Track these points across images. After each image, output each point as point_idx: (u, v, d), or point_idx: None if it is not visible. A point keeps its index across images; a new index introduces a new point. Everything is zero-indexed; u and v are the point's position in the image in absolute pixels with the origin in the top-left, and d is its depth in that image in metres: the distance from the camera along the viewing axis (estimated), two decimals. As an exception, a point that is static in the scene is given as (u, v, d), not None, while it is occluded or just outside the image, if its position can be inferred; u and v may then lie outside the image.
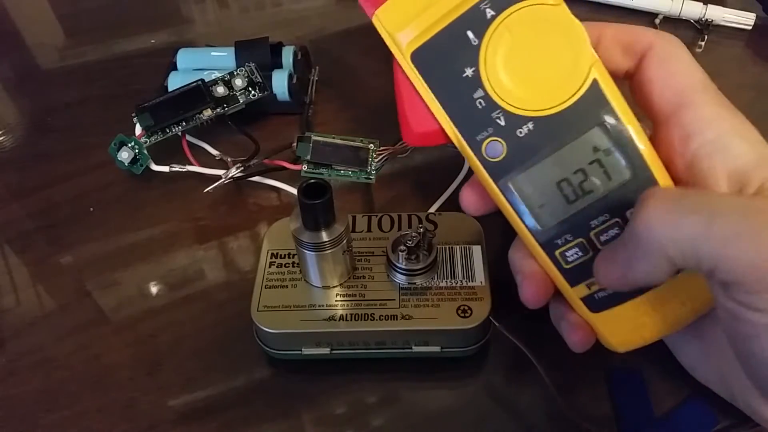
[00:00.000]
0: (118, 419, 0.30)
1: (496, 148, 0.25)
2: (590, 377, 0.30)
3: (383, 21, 0.25)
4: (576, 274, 0.26)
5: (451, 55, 0.25)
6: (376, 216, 0.34)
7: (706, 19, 0.50)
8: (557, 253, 0.26)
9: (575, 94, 0.24)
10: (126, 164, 0.38)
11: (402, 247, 0.30)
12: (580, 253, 0.25)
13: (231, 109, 0.40)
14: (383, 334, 0.29)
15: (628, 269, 0.23)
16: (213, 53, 0.45)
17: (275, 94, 0.42)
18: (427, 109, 0.26)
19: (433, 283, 0.30)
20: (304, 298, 0.30)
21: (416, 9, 0.25)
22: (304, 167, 0.37)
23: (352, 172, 0.37)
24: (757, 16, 0.49)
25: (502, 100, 0.25)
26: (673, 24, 0.51)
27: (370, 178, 0.37)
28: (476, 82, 0.25)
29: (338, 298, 0.30)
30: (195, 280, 0.35)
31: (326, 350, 0.30)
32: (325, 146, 0.37)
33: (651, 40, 0.26)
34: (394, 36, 0.25)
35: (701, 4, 0.50)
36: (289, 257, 0.32)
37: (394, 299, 0.30)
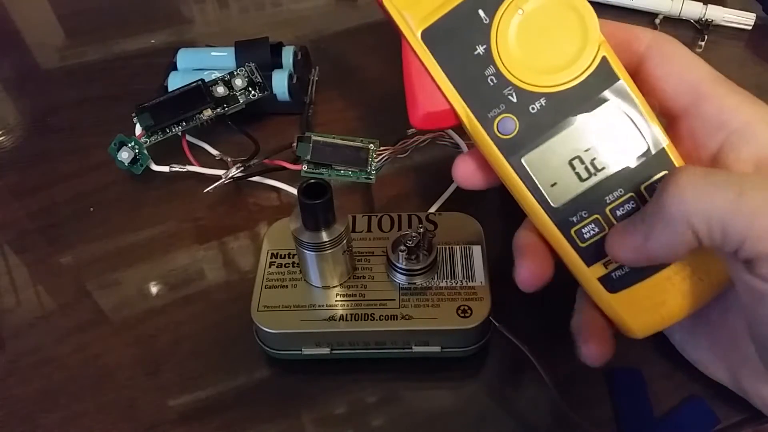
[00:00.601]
0: (118, 419, 0.30)
1: (509, 124, 0.25)
2: (590, 377, 0.30)
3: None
4: (592, 253, 0.26)
5: (462, 33, 0.25)
6: (376, 216, 0.34)
7: (706, 19, 0.50)
8: (573, 231, 0.25)
9: (586, 70, 0.24)
10: (126, 164, 0.39)
11: (402, 247, 0.30)
12: (596, 230, 0.25)
13: (231, 109, 0.40)
14: (383, 334, 0.29)
15: (647, 240, 0.22)
16: (213, 53, 0.45)
17: (275, 94, 0.42)
18: (437, 88, 0.25)
19: (433, 283, 0.30)
20: (304, 298, 0.30)
21: None
22: (304, 167, 0.37)
23: (352, 172, 0.37)
24: (757, 16, 0.49)
25: (514, 76, 0.25)
26: (673, 24, 0.51)
27: (370, 178, 0.37)
28: (488, 59, 0.25)
29: (338, 298, 0.30)
30: (195, 280, 0.35)
31: (326, 350, 0.30)
32: (325, 146, 0.37)
33: (649, 39, 0.26)
34: (404, 15, 0.25)
35: (701, 4, 0.50)
36: (289, 257, 0.32)
37: (394, 299, 0.30)
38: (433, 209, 0.37)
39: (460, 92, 0.25)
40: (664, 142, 0.25)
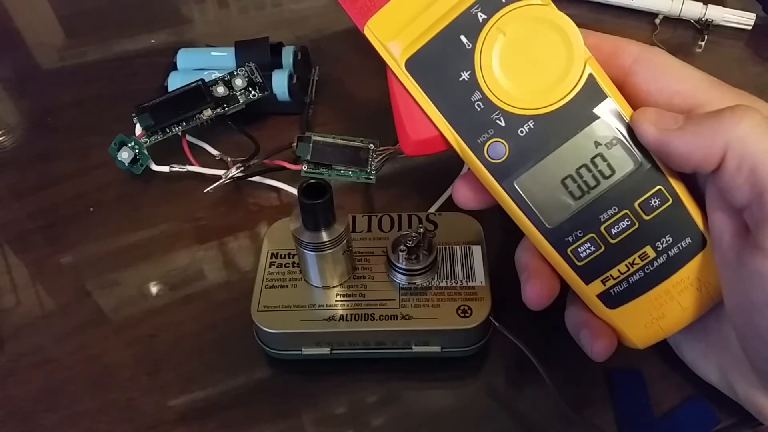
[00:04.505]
0: (118, 419, 0.30)
1: (498, 149, 0.25)
2: (590, 377, 0.30)
3: (375, 32, 0.25)
4: (590, 271, 0.26)
5: (445, 60, 0.25)
6: (376, 216, 0.34)
7: (706, 19, 0.50)
8: (569, 250, 0.25)
9: (572, 89, 0.24)
10: (126, 164, 0.39)
11: (402, 247, 0.30)
12: (592, 248, 0.25)
13: (231, 109, 0.40)
14: (383, 334, 0.29)
15: (679, 130, 0.23)
16: (213, 53, 0.45)
17: (275, 94, 0.42)
18: (425, 116, 0.26)
19: (433, 283, 0.30)
20: (304, 298, 0.30)
21: (407, 17, 0.25)
22: (304, 167, 0.37)
23: (352, 172, 0.37)
24: (757, 16, 0.49)
25: (501, 101, 0.25)
26: (673, 24, 0.51)
27: (370, 178, 0.37)
28: (473, 85, 0.25)
29: (338, 298, 0.30)
30: (195, 280, 0.35)
31: (326, 350, 0.30)
32: (325, 146, 0.37)
33: (636, 52, 0.26)
34: (387, 46, 0.25)
35: (701, 4, 0.50)
36: (289, 257, 0.32)
37: (394, 299, 0.30)
38: (433, 209, 0.37)
39: (448, 119, 0.25)
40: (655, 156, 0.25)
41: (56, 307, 0.35)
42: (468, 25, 0.24)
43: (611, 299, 0.26)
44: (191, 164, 0.39)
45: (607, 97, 0.24)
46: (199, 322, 0.33)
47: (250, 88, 0.40)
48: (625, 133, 0.24)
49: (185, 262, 0.36)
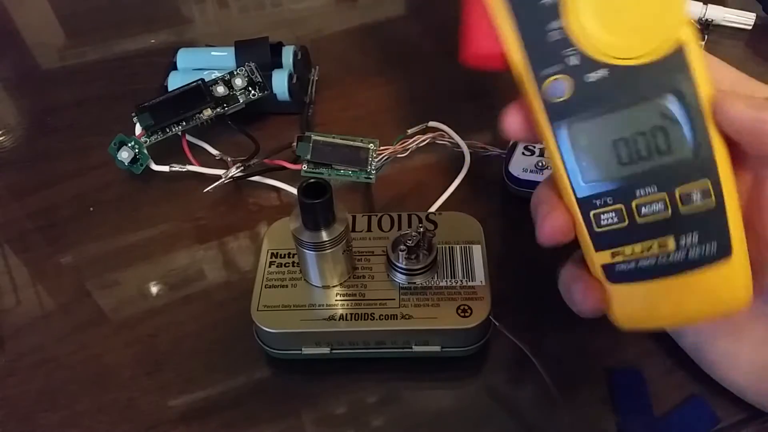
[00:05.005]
0: (118, 419, 0.30)
1: (561, 87, 0.23)
2: (590, 377, 0.30)
3: None
4: (604, 240, 0.24)
5: None
6: (376, 216, 0.34)
7: (707, 19, 0.50)
8: (592, 213, 0.24)
9: (658, 51, 0.22)
10: (126, 164, 0.39)
11: (402, 247, 0.30)
12: (615, 219, 0.24)
13: (231, 108, 0.40)
14: (383, 333, 0.29)
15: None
16: (213, 53, 0.45)
17: (275, 94, 0.42)
18: (496, 29, 0.23)
19: (433, 282, 0.30)
20: (304, 297, 0.30)
21: None
22: (304, 167, 0.37)
23: (352, 171, 0.37)
24: (757, 16, 0.49)
25: (580, 37, 0.22)
26: (673, 24, 0.51)
27: (370, 178, 0.37)
28: (555, 12, 0.22)
29: (338, 297, 0.30)
30: (195, 280, 0.35)
31: (326, 350, 0.30)
32: (325, 146, 0.37)
33: None
34: None
35: (701, 4, 0.50)
36: (289, 257, 0.32)
37: (394, 299, 0.30)
38: (433, 209, 0.37)
39: (518, 40, 0.23)
40: (715, 152, 0.23)
41: (56, 306, 0.35)
42: None
43: (614, 274, 0.25)
44: (191, 164, 0.39)
45: (691, 74, 0.22)
46: (199, 322, 0.33)
47: (250, 88, 0.40)
48: (696, 115, 0.23)
49: (185, 261, 0.36)
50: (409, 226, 0.33)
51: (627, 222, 0.24)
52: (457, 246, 0.32)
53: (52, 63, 0.52)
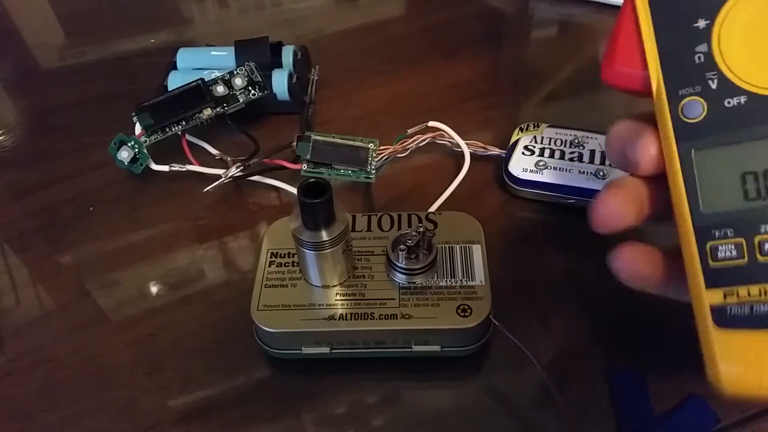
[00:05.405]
0: (118, 419, 0.30)
1: (696, 108, 0.23)
2: (590, 377, 0.30)
3: None
4: (718, 276, 0.22)
5: (690, 1, 0.23)
6: (376, 215, 0.33)
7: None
8: (709, 245, 0.22)
9: None
10: (126, 164, 0.39)
11: (402, 247, 0.30)
12: (733, 254, 0.22)
13: (231, 108, 0.40)
14: (383, 333, 0.29)
15: None
16: (213, 53, 0.45)
17: (275, 94, 0.42)
18: (640, 50, 0.24)
19: (432, 282, 0.30)
20: (304, 297, 0.30)
21: None
22: (304, 166, 0.37)
23: (352, 171, 0.37)
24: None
25: (725, 62, 0.22)
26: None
27: (370, 178, 0.37)
28: (705, 35, 0.23)
29: (338, 297, 0.30)
30: (195, 280, 0.35)
31: (326, 349, 0.30)
32: (325, 146, 0.37)
33: None
34: None
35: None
36: (288, 256, 0.32)
37: (394, 298, 0.30)
38: (433, 208, 0.37)
39: (661, 58, 0.23)
40: None
41: (56, 306, 0.35)
42: None
43: (724, 317, 0.22)
44: (191, 163, 0.39)
45: None
46: (199, 321, 0.33)
47: (249, 88, 0.40)
48: None
49: (185, 261, 0.36)
50: (409, 225, 0.33)
51: (746, 259, 0.22)
52: (457, 246, 0.32)
53: (51, 63, 0.52)
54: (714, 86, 0.22)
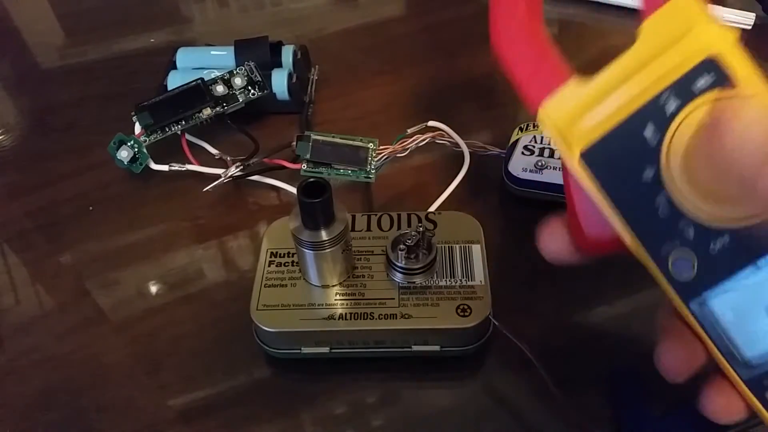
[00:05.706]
0: (118, 419, 0.30)
1: (685, 265, 0.21)
2: (590, 377, 0.30)
3: (551, 115, 0.22)
4: None
5: (627, 154, 0.21)
6: (376, 215, 0.33)
7: (707, 19, 0.50)
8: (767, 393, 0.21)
9: None
10: (125, 163, 0.38)
11: (401, 246, 0.30)
12: None
13: (230, 108, 0.40)
14: (383, 333, 0.29)
15: None
16: (212, 52, 0.45)
17: (275, 94, 0.42)
18: (602, 214, 0.22)
19: (432, 282, 0.30)
20: (304, 297, 0.30)
21: (587, 102, 0.21)
22: (304, 166, 0.37)
23: (352, 171, 0.37)
24: (757, 16, 0.49)
25: (688, 207, 0.20)
26: (673, 23, 0.51)
27: (370, 178, 0.37)
28: (657, 186, 0.20)
29: (337, 297, 0.30)
30: (194, 280, 0.35)
31: (326, 349, 0.30)
32: (324, 145, 0.37)
33: None
34: (562, 132, 0.22)
35: (701, 3, 0.50)
36: (288, 256, 0.32)
37: (394, 298, 0.30)
38: (432, 208, 0.36)
39: (626, 222, 0.21)
40: None
41: (55, 306, 0.35)
42: (656, 115, 0.20)
43: None
44: (190, 163, 0.39)
45: None
46: (198, 321, 0.33)
47: (249, 87, 0.40)
48: None
49: (184, 261, 0.36)
50: (409, 225, 0.33)
51: None
52: (457, 245, 0.32)
53: (51, 62, 0.52)
54: (691, 235, 0.20)
